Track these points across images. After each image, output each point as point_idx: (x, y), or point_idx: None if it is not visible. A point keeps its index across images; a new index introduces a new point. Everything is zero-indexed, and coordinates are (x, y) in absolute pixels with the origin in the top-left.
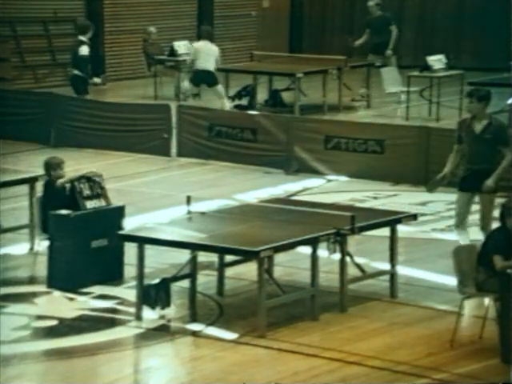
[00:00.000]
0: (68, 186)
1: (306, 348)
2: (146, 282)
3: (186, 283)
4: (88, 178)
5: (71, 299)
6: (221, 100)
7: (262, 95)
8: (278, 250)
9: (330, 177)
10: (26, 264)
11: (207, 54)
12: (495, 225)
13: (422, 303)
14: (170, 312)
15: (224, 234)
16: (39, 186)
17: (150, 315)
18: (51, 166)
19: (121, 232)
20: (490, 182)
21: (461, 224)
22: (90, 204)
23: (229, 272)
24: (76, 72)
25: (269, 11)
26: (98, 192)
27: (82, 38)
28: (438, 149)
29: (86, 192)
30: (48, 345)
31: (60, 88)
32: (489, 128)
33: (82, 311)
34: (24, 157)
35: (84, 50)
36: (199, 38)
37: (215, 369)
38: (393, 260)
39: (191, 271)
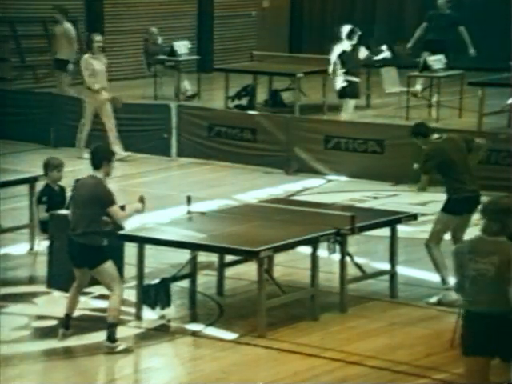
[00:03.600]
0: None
1: (306, 348)
2: (146, 282)
3: (186, 283)
4: None
5: None
6: None
7: (261, 95)
8: (277, 249)
9: (330, 177)
10: (25, 264)
11: None
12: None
13: (422, 303)
14: (170, 312)
15: (224, 234)
16: (39, 186)
17: (150, 315)
18: (48, 167)
19: (121, 232)
20: None
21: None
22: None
23: (229, 272)
24: (350, 78)
25: (269, 11)
26: None
27: (349, 42)
28: None
29: None
30: (48, 345)
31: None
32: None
33: (82, 311)
34: (24, 157)
35: (362, 53)
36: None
37: (215, 369)
38: (393, 260)
39: (191, 271)
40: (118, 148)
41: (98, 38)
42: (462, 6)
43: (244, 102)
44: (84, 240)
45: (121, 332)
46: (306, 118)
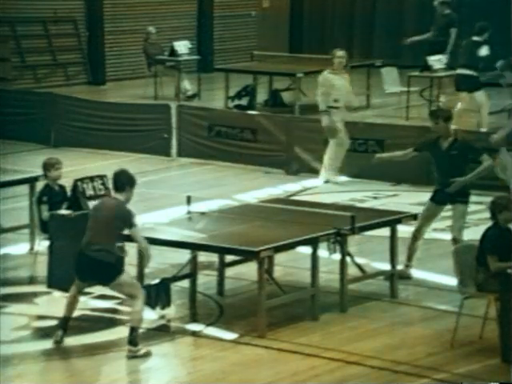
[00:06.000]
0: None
1: (306, 348)
2: (147, 282)
3: (186, 283)
4: (91, 179)
5: None
6: None
7: (261, 95)
8: (278, 249)
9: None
10: (25, 264)
11: None
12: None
13: (422, 303)
14: (170, 312)
15: (224, 234)
16: (39, 186)
17: (150, 315)
18: (46, 167)
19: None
20: (456, 183)
21: (418, 232)
22: (93, 204)
23: (229, 272)
24: (464, 71)
25: (269, 11)
26: (102, 192)
27: (477, 38)
28: None
29: (89, 192)
30: (48, 345)
31: (60, 88)
32: (454, 145)
33: (82, 311)
34: (24, 157)
35: (484, 51)
36: None
37: (215, 369)
38: (393, 260)
39: (191, 271)
40: (328, 173)
41: (339, 53)
42: (461, 5)
43: (244, 102)
44: (100, 256)
45: (121, 332)
46: (306, 118)
